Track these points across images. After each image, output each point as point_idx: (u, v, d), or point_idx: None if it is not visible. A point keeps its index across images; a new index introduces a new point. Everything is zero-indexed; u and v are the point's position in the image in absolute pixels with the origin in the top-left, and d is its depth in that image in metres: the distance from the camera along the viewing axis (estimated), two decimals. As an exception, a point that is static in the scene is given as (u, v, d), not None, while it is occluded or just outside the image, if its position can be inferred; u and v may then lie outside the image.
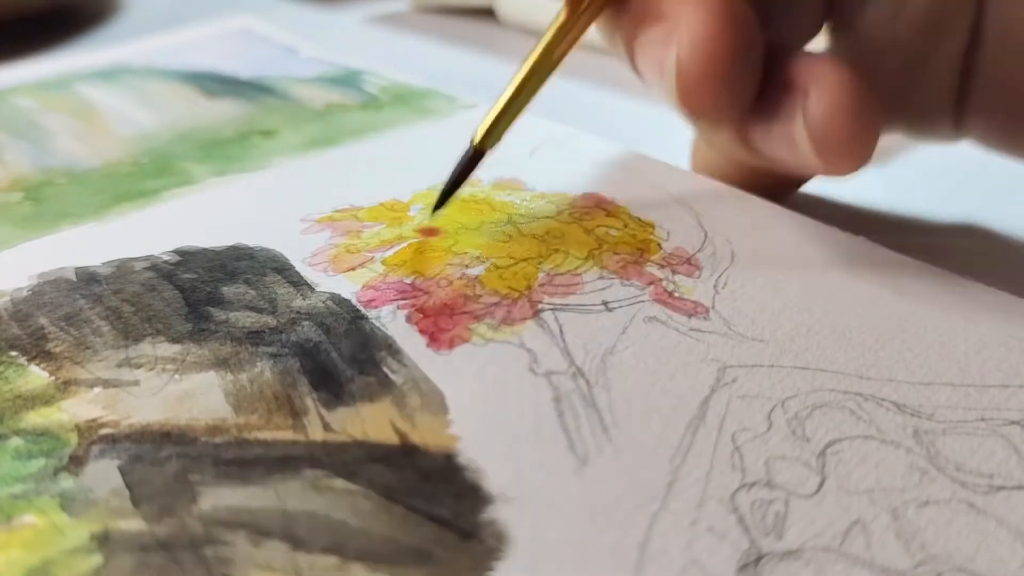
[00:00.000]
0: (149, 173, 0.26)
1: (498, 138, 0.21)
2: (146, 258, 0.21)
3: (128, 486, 0.15)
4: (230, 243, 0.22)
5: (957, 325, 0.19)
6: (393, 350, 0.18)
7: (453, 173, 0.22)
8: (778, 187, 0.24)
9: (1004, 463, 0.15)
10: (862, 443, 0.16)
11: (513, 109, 0.21)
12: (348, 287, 0.20)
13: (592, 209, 0.23)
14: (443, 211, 0.22)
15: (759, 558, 0.14)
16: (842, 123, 0.19)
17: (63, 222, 0.23)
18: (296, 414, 0.16)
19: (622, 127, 0.31)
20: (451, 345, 0.18)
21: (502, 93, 0.21)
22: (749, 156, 0.22)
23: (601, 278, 0.20)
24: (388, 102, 0.31)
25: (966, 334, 0.18)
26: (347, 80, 0.32)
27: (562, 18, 0.21)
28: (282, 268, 0.21)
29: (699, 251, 0.21)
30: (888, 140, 0.29)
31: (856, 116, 0.19)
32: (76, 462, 0.15)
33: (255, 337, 0.18)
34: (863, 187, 0.27)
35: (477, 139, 0.21)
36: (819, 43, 0.24)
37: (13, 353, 0.18)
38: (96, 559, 0.14)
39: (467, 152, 0.22)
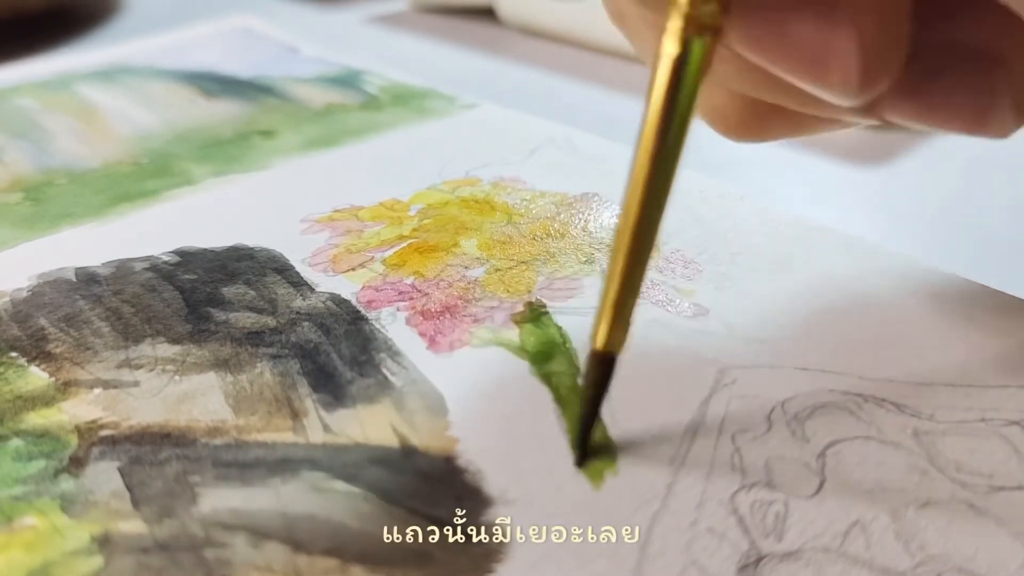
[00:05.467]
0: (149, 173, 0.26)
1: (626, 336, 0.15)
2: (146, 258, 0.21)
3: (128, 488, 0.15)
4: (230, 243, 0.22)
5: (957, 325, 0.19)
6: (393, 352, 0.18)
7: (585, 397, 0.16)
8: (793, 123, 0.18)
9: (1004, 463, 0.15)
10: (862, 444, 0.16)
11: (633, 281, 0.15)
12: (348, 287, 0.20)
13: (591, 210, 0.23)
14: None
15: (759, 559, 0.14)
16: None
17: (63, 222, 0.23)
18: (296, 416, 0.16)
19: (622, 127, 0.31)
20: (451, 348, 0.18)
21: (610, 268, 0.14)
22: (779, 96, 0.16)
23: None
24: (388, 102, 0.31)
25: (966, 334, 0.18)
26: (347, 80, 0.32)
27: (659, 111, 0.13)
28: (282, 268, 0.21)
29: (699, 253, 0.21)
30: (888, 141, 0.29)
31: None
32: (76, 463, 0.16)
33: (255, 338, 0.18)
34: (863, 188, 0.27)
35: (600, 343, 0.15)
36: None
37: (13, 354, 0.18)
38: (96, 561, 0.14)
39: (591, 363, 0.15)
